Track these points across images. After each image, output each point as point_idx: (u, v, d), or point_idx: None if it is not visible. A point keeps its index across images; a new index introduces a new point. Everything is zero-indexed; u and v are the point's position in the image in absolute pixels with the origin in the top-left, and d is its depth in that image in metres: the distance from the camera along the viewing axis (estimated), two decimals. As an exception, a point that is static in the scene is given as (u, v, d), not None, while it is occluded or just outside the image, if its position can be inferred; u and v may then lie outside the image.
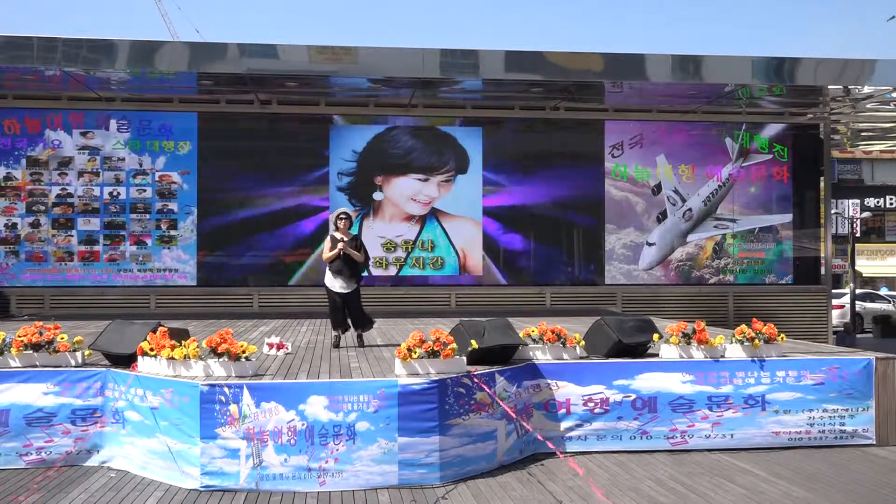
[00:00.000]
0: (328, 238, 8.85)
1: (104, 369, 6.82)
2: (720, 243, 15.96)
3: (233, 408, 6.11)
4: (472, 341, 7.01)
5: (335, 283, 8.71)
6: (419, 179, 15.20)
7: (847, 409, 7.64)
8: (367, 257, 8.99)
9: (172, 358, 6.47)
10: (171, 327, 7.22)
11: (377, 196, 15.13)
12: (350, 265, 8.69)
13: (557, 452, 6.78)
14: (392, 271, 15.00)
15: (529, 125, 15.55)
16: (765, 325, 7.86)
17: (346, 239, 8.69)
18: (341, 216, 8.86)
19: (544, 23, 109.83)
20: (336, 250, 8.60)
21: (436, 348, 6.57)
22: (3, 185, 14.35)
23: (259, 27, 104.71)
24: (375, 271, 14.87)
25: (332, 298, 8.77)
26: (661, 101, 15.33)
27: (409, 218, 15.19)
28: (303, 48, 12.89)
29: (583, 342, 7.80)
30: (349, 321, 8.86)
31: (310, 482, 6.06)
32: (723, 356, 7.70)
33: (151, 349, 6.63)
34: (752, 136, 16.04)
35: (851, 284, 24.51)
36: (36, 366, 6.88)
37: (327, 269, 8.79)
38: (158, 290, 14.48)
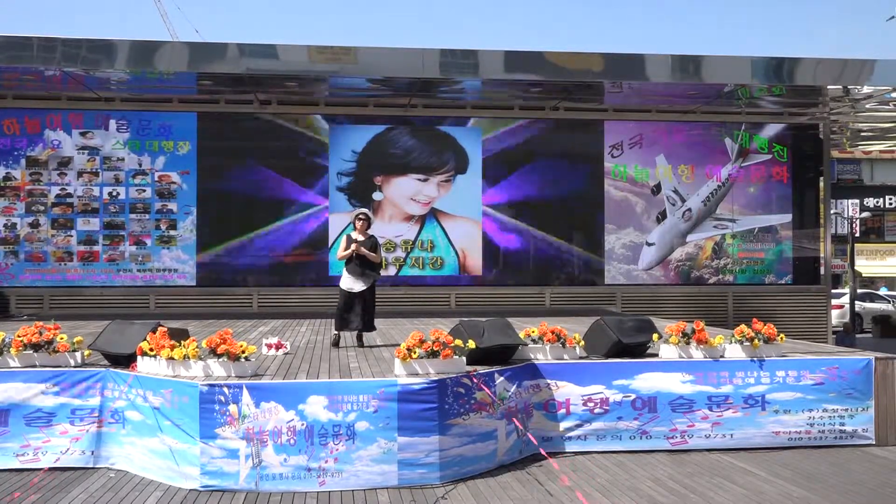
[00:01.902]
0: (344, 237, 8.86)
1: (104, 369, 6.81)
2: (720, 243, 15.96)
3: (232, 408, 6.11)
4: (471, 341, 7.00)
5: (353, 285, 8.68)
6: (419, 179, 15.19)
7: (847, 409, 7.65)
8: (381, 259, 8.97)
9: (172, 358, 6.47)
10: (171, 327, 7.22)
11: (377, 196, 15.12)
12: (366, 265, 8.70)
13: (552, 462, 6.71)
14: (392, 271, 14.98)
15: (529, 125, 15.55)
16: (764, 325, 7.87)
17: (362, 239, 8.70)
18: (360, 216, 8.84)
19: (544, 23, 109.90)
20: (350, 250, 8.61)
21: (435, 348, 6.57)
22: (2, 185, 14.33)
23: (258, 27, 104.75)
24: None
25: (345, 298, 8.72)
26: (661, 101, 15.32)
27: (409, 218, 15.18)
28: (302, 48, 12.89)
29: (582, 342, 7.80)
30: (359, 322, 8.70)
31: (309, 482, 6.06)
32: (722, 356, 7.70)
33: (151, 349, 6.63)
34: (752, 136, 16.04)
35: (851, 284, 24.51)
36: (35, 366, 6.87)
37: (344, 269, 8.77)
38: (158, 290, 14.47)
